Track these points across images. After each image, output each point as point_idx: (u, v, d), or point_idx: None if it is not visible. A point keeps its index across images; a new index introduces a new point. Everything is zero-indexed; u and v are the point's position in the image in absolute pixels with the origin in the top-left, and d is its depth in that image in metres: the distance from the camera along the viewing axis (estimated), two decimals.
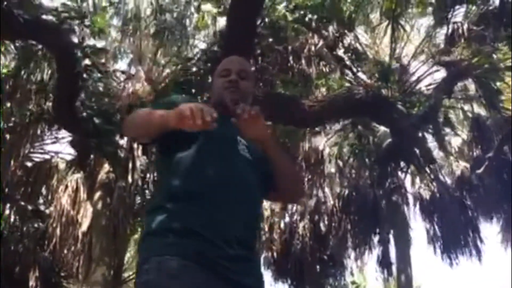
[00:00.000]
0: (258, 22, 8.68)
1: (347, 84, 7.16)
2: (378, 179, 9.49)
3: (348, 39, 11.96)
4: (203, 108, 2.02)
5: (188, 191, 2.22)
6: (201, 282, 2.03)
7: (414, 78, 11.66)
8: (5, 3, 5.54)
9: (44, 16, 6.12)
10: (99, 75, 8.03)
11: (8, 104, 11.07)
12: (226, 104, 2.48)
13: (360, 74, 9.87)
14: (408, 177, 13.11)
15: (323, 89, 7.96)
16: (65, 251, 10.95)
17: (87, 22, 6.53)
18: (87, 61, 6.60)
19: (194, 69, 7.04)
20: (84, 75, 6.48)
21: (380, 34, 13.05)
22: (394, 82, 7.96)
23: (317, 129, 9.24)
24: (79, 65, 6.28)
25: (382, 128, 8.50)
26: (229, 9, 6.45)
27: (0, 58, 8.32)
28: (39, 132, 11.80)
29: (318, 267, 13.74)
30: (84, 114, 6.71)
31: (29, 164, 12.52)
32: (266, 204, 13.63)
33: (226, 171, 2.29)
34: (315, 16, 7.52)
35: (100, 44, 12.69)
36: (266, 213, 13.64)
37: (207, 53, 7.50)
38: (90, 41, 9.22)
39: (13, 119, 11.62)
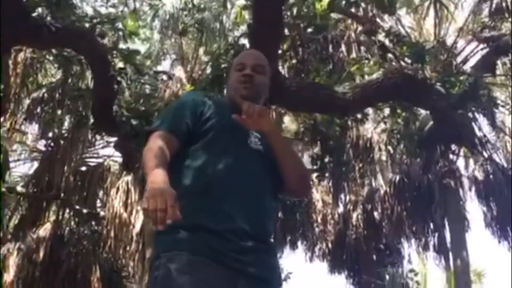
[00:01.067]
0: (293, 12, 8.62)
1: (382, 69, 6.97)
2: (425, 163, 9.25)
3: (389, 23, 11.75)
4: (168, 210, 1.88)
5: (197, 185, 2.22)
6: (211, 276, 2.04)
7: (459, 58, 11.35)
8: (36, 13, 5.74)
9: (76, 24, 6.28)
10: (140, 77, 8.15)
11: (59, 112, 11.50)
12: (238, 102, 2.49)
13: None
14: (462, 160, 12.78)
15: (359, 76, 7.79)
16: (121, 252, 11.24)
17: (119, 25, 6.65)
18: (121, 64, 6.76)
19: (225, 65, 7.06)
20: (119, 78, 6.63)
21: (423, 15, 12.78)
22: (432, 62, 7.73)
23: (358, 116, 9.06)
24: (112, 69, 6.43)
25: (424, 111, 8.29)
26: (253, 7, 6.42)
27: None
28: (90, 137, 12.20)
29: (374, 256, 13.58)
30: (123, 117, 6.86)
31: (83, 168, 12.97)
32: (317, 195, 13.60)
33: (235, 164, 2.28)
34: (343, 1, 7.35)
35: (144, 47, 13.01)
36: (318, 204, 13.59)
37: (234, 47, 7.50)
38: (133, 45, 9.51)
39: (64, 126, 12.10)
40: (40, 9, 5.87)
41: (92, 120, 7.27)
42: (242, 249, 2.13)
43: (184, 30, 10.18)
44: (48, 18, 5.85)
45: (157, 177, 2.02)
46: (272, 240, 2.43)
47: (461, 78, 7.40)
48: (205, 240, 2.09)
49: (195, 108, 2.39)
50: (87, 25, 6.23)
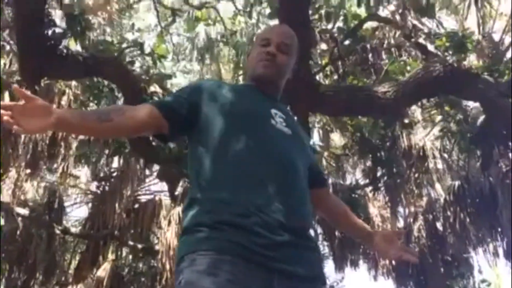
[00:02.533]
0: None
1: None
2: (483, 162, 8.74)
3: (430, 25, 11.41)
4: None
5: (220, 178, 2.00)
6: (239, 276, 1.81)
7: (508, 54, 10.85)
8: (62, 44, 5.78)
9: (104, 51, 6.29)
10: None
11: (107, 151, 11.62)
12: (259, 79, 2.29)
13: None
14: None
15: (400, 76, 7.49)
16: None
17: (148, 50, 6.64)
18: (152, 88, 6.71)
19: None
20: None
21: (464, 15, 12.36)
22: (475, 51, 7.37)
23: (406, 120, 8.71)
24: (144, 93, 6.38)
25: (474, 105, 7.86)
26: (278, 13, 6.27)
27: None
28: (139, 173, 12.26)
29: (442, 269, 12.94)
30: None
31: (136, 206, 13.01)
32: (374, 210, 13.16)
33: (260, 149, 2.05)
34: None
35: (185, 79, 13.13)
36: (377, 220, 13.12)
37: None
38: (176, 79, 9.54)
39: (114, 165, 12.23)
40: (65, 41, 5.91)
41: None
42: (275, 244, 1.89)
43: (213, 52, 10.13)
44: (74, 48, 5.88)
45: None
46: (312, 233, 2.19)
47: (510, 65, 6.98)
48: (231, 236, 1.87)
49: (199, 93, 2.19)
50: (115, 53, 6.22)
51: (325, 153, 11.65)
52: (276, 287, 1.85)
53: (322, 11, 7.06)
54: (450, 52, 6.55)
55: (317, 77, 10.56)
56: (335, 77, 10.52)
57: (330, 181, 11.39)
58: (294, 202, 2.02)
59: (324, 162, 11.57)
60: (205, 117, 2.13)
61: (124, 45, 6.25)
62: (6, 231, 11.89)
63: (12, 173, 12.91)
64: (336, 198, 2.64)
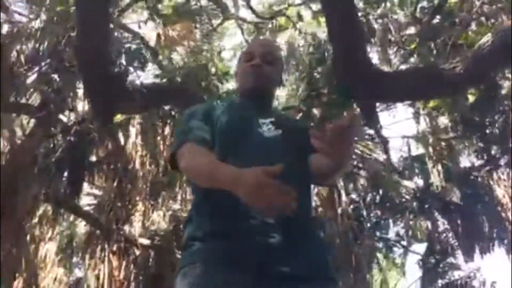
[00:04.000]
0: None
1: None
2: None
3: None
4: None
5: (212, 192, 2.05)
6: (227, 283, 1.88)
7: None
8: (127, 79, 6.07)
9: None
10: None
11: None
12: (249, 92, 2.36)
13: None
14: None
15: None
16: None
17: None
18: None
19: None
20: None
21: None
22: None
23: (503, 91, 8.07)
24: None
25: None
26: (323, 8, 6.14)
27: None
28: None
29: None
30: None
31: None
32: (501, 190, 12.25)
33: (248, 158, 2.08)
34: None
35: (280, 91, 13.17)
36: (504, 200, 12.17)
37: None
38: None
39: None
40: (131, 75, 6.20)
41: None
42: (264, 247, 1.92)
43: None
44: (138, 81, 6.16)
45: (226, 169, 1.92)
46: (312, 228, 2.15)
47: None
48: (217, 246, 1.95)
49: (203, 115, 2.28)
50: (178, 78, 6.42)
51: (430, 140, 11.07)
52: None
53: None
54: None
55: (411, 61, 10.25)
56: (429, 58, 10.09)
57: (440, 166, 10.81)
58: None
59: (430, 149, 11.01)
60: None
61: (187, 70, 6.40)
62: (141, 260, 12.62)
63: (140, 206, 13.67)
64: None
